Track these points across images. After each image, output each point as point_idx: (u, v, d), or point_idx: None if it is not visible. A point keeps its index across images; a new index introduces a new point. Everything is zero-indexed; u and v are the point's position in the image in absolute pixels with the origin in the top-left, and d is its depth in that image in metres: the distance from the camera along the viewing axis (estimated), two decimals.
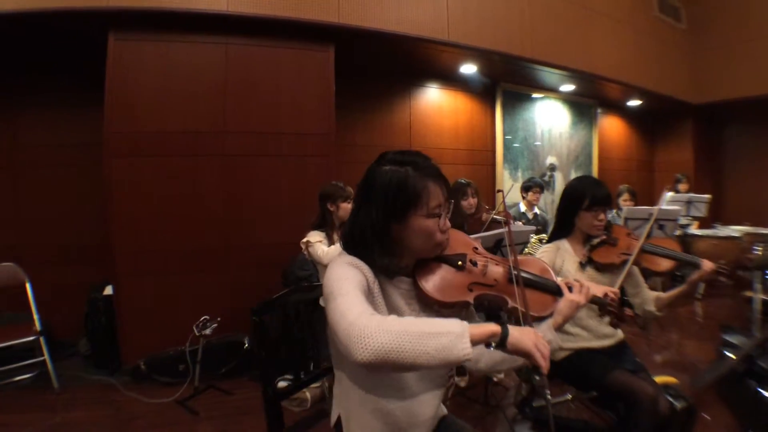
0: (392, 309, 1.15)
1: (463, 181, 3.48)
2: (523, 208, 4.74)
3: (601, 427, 2.28)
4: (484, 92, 5.60)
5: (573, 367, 2.04)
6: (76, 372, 3.20)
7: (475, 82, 5.37)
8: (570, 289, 1.33)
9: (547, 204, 6.13)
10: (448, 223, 1.19)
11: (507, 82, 5.67)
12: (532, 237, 3.62)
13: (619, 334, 2.13)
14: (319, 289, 2.92)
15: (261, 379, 1.52)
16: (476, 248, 1.32)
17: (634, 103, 6.79)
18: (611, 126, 7.15)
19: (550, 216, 4.87)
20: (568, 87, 5.93)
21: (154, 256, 3.14)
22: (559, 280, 1.37)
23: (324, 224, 2.81)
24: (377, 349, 0.84)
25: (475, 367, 1.29)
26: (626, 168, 7.48)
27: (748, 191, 6.89)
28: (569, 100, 6.42)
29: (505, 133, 5.78)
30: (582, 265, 2.13)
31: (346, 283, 1.03)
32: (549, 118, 6.27)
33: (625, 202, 5.04)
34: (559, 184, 6.39)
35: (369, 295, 1.07)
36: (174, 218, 3.13)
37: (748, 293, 4.06)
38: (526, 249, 4.84)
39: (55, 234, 3.65)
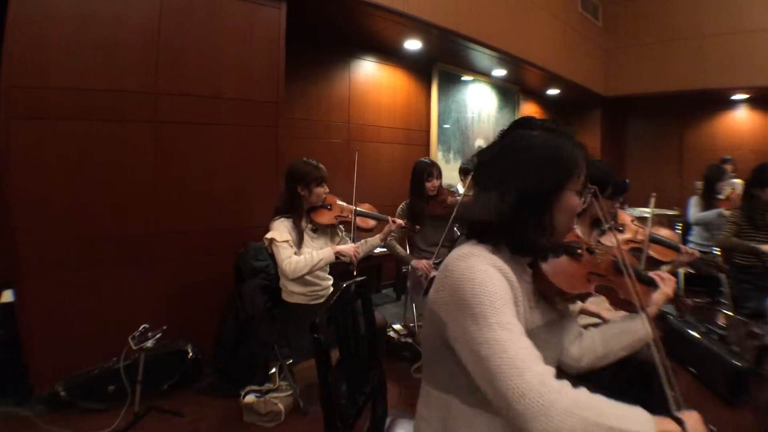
0: None
1: (427, 160, 3.32)
2: (461, 189, 4.75)
3: None
4: (422, 71, 5.47)
5: None
6: None
7: (413, 59, 5.23)
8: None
9: None
10: None
11: (443, 62, 5.60)
12: None
13: None
14: (277, 281, 2.63)
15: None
16: (578, 234, 1.20)
17: (553, 91, 7.13)
18: (530, 112, 7.44)
19: None
20: (499, 71, 6.02)
21: (69, 247, 2.42)
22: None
23: (291, 209, 2.42)
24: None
25: (577, 365, 1.19)
26: None
27: (646, 176, 7.62)
28: (496, 84, 6.54)
29: (439, 114, 5.73)
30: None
31: (499, 302, 0.83)
32: (478, 102, 6.34)
33: None
34: None
35: (515, 306, 0.88)
36: (93, 198, 2.47)
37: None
38: None
39: None
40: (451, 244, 3.41)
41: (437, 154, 5.76)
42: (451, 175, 5.91)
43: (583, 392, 0.75)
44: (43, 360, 2.38)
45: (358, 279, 1.39)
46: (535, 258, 1.02)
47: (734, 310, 2.96)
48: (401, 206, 3.31)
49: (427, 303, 0.99)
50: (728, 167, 4.85)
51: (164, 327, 2.26)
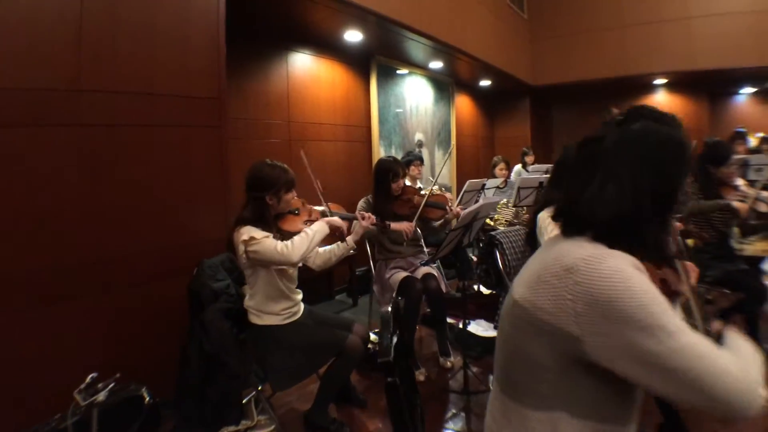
0: None
1: (391, 159, 3.14)
2: (407, 182, 4.61)
3: None
4: (360, 64, 5.27)
5: None
6: None
7: (352, 52, 5.01)
8: None
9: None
10: None
11: (382, 55, 5.43)
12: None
13: None
14: (241, 303, 2.29)
15: None
16: None
17: (485, 82, 7.23)
18: (463, 104, 7.51)
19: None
20: (436, 63, 5.97)
21: None
22: None
23: (261, 220, 2.10)
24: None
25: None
26: (475, 144, 7.99)
27: None
28: (431, 77, 6.50)
29: (379, 109, 5.55)
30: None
31: (665, 305, 0.76)
32: (416, 95, 6.25)
33: (501, 171, 5.29)
34: (426, 161, 6.46)
35: None
36: (9, 220, 1.95)
37: None
38: (495, 214, 4.83)
39: None
40: (416, 243, 3.29)
41: (379, 150, 5.58)
42: None
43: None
44: None
45: None
46: (658, 259, 0.93)
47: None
48: (363, 201, 3.10)
49: (520, 315, 0.87)
50: None
51: (117, 375, 1.83)
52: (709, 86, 7.15)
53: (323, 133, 4.82)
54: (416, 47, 5.13)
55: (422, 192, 3.24)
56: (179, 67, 2.57)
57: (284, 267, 2.13)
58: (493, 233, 2.56)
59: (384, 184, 3.03)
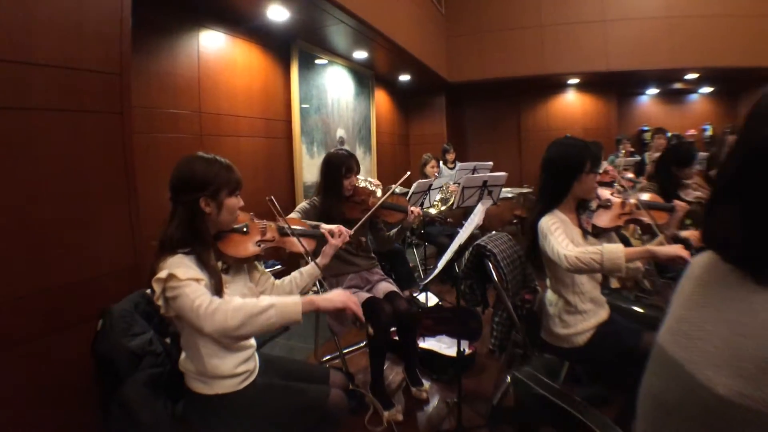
0: None
1: (344, 152, 2.62)
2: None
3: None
4: (281, 49, 4.63)
5: (601, 347, 1.87)
6: None
7: (272, 34, 4.36)
8: None
9: None
10: None
11: (303, 40, 4.82)
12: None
13: None
14: (172, 362, 1.61)
15: None
16: None
17: (404, 77, 6.93)
18: (382, 99, 7.15)
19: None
20: (360, 53, 5.52)
21: None
22: None
23: (191, 239, 1.46)
24: None
25: None
26: (392, 143, 7.68)
27: (488, 158, 8.02)
28: (353, 69, 6.03)
29: (301, 102, 4.94)
30: (585, 233, 1.98)
31: None
32: (337, 88, 5.73)
33: (432, 169, 4.99)
34: None
35: None
36: None
37: None
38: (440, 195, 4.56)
39: None
40: (368, 255, 2.80)
41: (301, 148, 4.99)
42: (316, 171, 5.20)
43: None
44: None
45: None
46: None
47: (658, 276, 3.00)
48: (307, 204, 2.54)
49: (733, 416, 0.58)
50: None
51: None
52: (620, 87, 7.62)
53: (240, 128, 4.12)
54: (341, 32, 4.62)
55: (378, 194, 2.76)
56: (70, 28, 1.79)
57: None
58: (481, 242, 2.17)
59: (336, 181, 2.52)
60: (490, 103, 8.41)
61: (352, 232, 2.08)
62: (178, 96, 3.44)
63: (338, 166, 2.51)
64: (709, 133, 6.93)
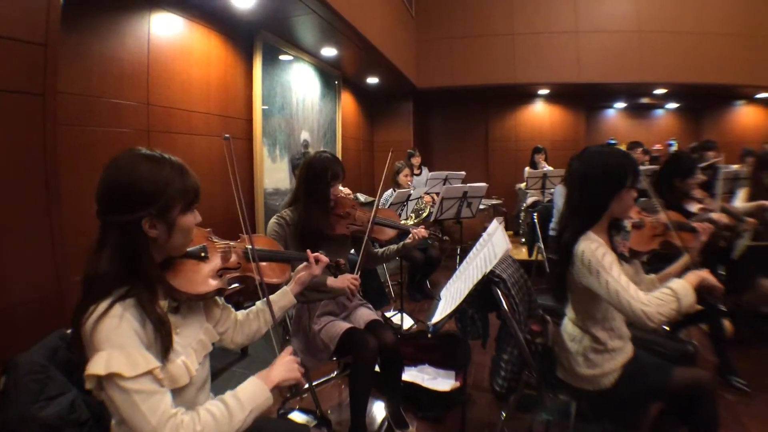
0: None
1: (329, 155, 2.22)
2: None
3: None
4: (242, 38, 4.18)
5: (628, 387, 1.64)
6: None
7: (232, 20, 3.92)
8: None
9: None
10: None
11: (268, 31, 4.39)
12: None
13: None
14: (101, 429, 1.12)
15: None
16: None
17: (372, 80, 6.62)
18: (347, 102, 6.80)
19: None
20: (328, 50, 5.14)
21: None
22: None
23: (131, 277, 1.03)
24: None
25: None
26: (357, 148, 7.34)
27: (455, 167, 7.87)
28: (319, 67, 5.64)
29: (264, 100, 4.50)
30: (621, 257, 1.70)
31: None
32: (303, 86, 5.32)
33: (405, 177, 4.69)
34: None
35: None
36: None
37: None
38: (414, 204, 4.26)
39: None
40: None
41: (263, 150, 4.54)
42: (278, 177, 4.78)
43: None
44: None
45: None
46: None
47: None
48: (275, 222, 2.13)
49: None
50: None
51: None
52: (589, 99, 7.64)
53: (194, 125, 3.64)
54: (310, 24, 4.23)
55: (361, 203, 2.41)
56: None
57: None
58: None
59: (321, 188, 2.14)
60: (459, 112, 8.26)
61: (358, 276, 1.79)
62: (123, 84, 2.93)
63: (323, 171, 2.12)
64: (674, 148, 7.05)
